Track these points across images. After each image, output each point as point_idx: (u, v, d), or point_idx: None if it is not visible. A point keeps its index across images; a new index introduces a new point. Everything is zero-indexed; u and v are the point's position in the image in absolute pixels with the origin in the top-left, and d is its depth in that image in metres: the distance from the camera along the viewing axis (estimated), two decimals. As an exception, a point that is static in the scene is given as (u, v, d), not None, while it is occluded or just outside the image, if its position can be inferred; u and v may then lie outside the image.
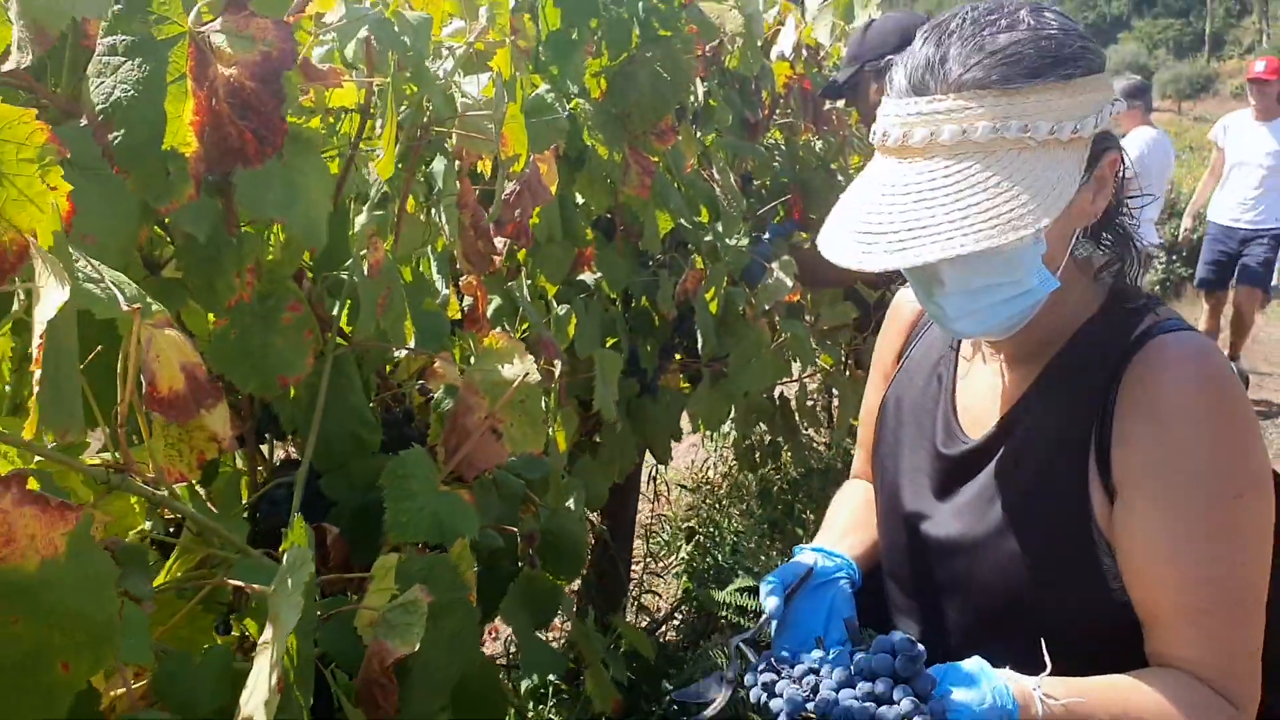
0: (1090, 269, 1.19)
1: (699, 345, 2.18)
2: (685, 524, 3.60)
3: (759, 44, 2.26)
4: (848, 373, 2.90)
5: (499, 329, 1.45)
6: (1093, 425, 1.10)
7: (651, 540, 3.59)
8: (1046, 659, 1.05)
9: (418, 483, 1.11)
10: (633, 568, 3.07)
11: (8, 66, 0.80)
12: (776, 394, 2.89)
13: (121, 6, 0.85)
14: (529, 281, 1.74)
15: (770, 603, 1.19)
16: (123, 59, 0.85)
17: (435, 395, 1.32)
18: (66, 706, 0.62)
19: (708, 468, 4.17)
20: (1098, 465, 1.09)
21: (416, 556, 0.99)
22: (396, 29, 1.14)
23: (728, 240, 2.33)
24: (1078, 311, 1.17)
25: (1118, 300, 1.17)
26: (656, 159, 1.95)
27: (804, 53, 2.65)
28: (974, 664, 1.06)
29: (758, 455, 3.41)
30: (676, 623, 3.06)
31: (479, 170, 1.50)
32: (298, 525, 0.83)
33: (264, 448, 1.35)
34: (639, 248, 2.18)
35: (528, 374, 1.18)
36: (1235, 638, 1.07)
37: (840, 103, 3.32)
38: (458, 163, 1.41)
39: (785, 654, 1.16)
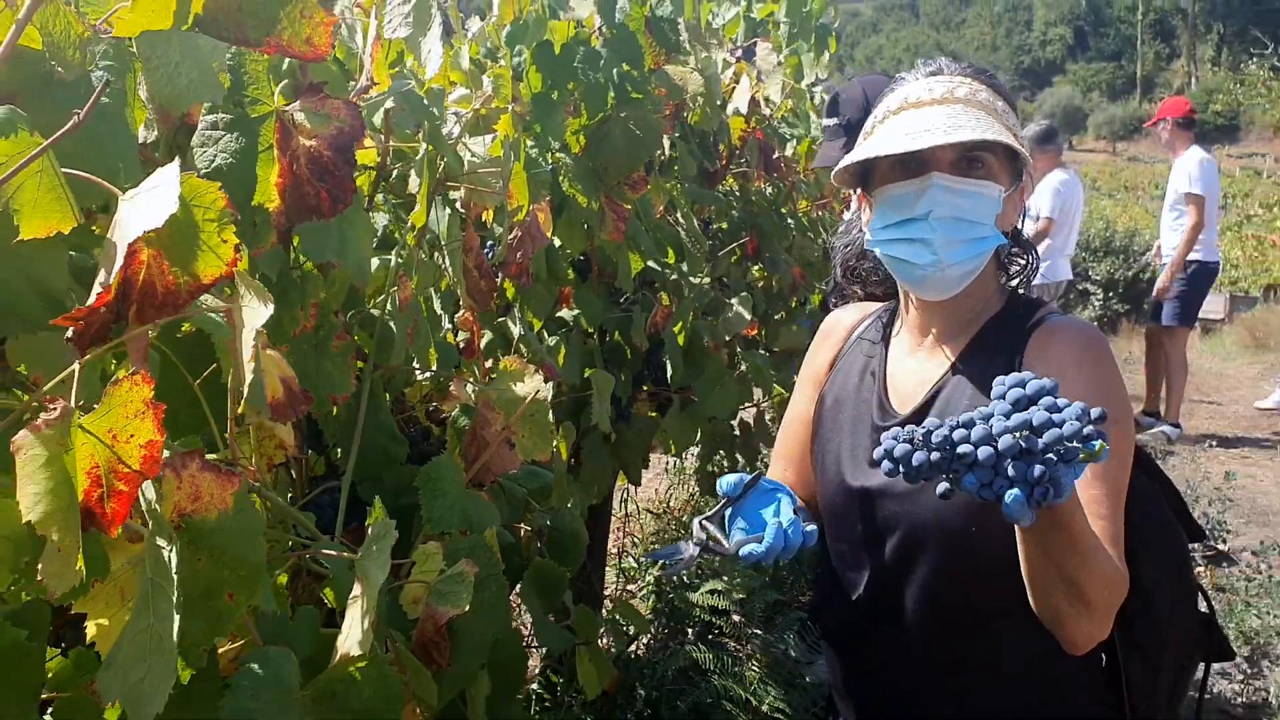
0: (998, 276, 1.52)
1: (668, 375, 2.40)
2: (652, 547, 3.79)
3: (717, 102, 2.50)
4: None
5: (491, 360, 1.66)
6: None
7: (622, 561, 3.78)
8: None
9: (447, 484, 1.31)
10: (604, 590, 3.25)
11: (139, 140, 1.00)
12: (737, 420, 3.11)
13: (222, 91, 1.05)
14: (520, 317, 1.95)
15: (729, 481, 1.41)
16: (223, 133, 1.06)
17: (452, 414, 1.52)
18: (229, 629, 0.81)
19: (670, 496, 4.37)
20: None
21: (460, 538, 1.19)
22: (425, 101, 1.35)
23: (691, 279, 2.56)
24: (989, 305, 1.50)
25: (1016, 301, 1.51)
26: (629, 206, 2.17)
27: (758, 108, 2.89)
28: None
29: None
30: (646, 640, 3.25)
31: (482, 219, 1.71)
32: (378, 505, 1.03)
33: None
34: (613, 286, 2.40)
35: (538, 391, 1.39)
36: (1117, 531, 1.33)
37: (789, 151, 3.58)
38: (464, 212, 1.62)
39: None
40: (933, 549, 1.41)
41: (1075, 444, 1.03)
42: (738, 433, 3.17)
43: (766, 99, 2.92)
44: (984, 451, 1.04)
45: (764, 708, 2.09)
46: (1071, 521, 1.18)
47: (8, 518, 0.80)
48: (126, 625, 0.76)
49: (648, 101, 2.05)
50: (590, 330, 2.30)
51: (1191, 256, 6.54)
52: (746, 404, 2.73)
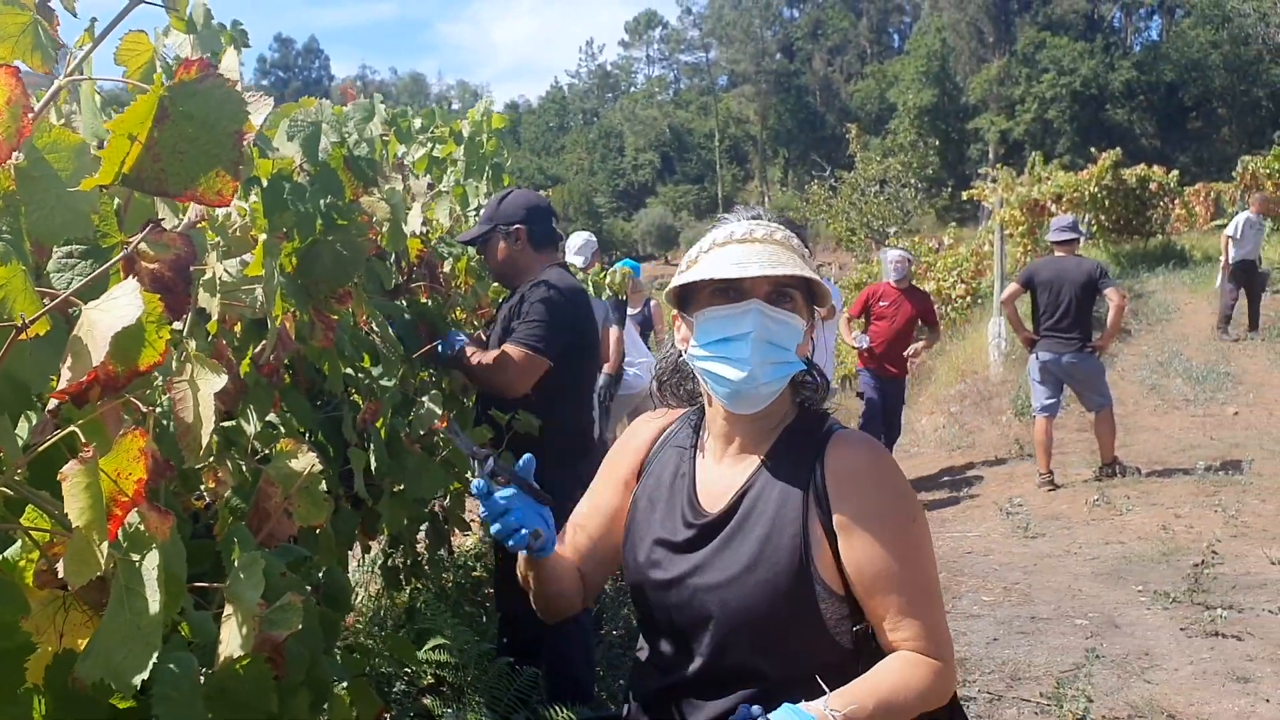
0: (792, 396, 1.76)
1: (373, 466, 2.69)
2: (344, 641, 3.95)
3: (403, 226, 2.86)
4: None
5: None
6: (808, 488, 1.64)
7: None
8: (825, 687, 1.50)
9: (247, 544, 1.56)
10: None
11: (17, 268, 1.23)
12: (430, 507, 3.41)
13: (75, 226, 1.30)
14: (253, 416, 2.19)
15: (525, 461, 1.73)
16: (78, 260, 1.31)
17: (226, 494, 1.76)
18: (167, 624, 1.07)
19: (357, 590, 4.52)
20: (819, 513, 1.62)
21: (279, 578, 1.46)
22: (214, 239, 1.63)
23: (383, 381, 2.87)
24: (785, 417, 1.74)
25: (805, 413, 1.76)
26: (336, 317, 2.47)
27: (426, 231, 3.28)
28: (783, 713, 1.44)
29: (402, 576, 3.86)
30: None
31: (232, 329, 1.96)
32: (235, 548, 1.30)
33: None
34: (310, 391, 2.66)
35: (313, 465, 1.67)
36: (935, 618, 1.59)
37: (448, 267, 3.98)
38: (218, 323, 1.88)
39: None
40: (745, 633, 1.60)
41: None
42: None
43: (435, 222, 3.32)
44: None
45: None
46: None
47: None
48: (102, 624, 1.00)
49: (353, 227, 2.38)
50: (302, 430, 2.55)
51: None
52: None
